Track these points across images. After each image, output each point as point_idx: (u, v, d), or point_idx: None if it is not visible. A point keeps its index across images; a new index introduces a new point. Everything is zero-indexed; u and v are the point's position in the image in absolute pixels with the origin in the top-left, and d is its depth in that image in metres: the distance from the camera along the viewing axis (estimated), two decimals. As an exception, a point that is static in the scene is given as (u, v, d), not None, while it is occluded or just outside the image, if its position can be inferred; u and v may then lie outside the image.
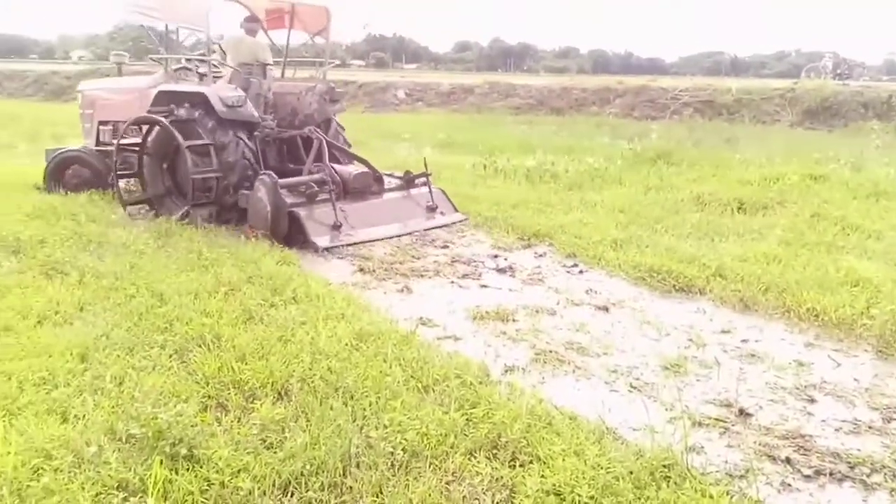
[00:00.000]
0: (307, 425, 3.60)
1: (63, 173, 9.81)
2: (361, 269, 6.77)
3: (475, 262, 7.16)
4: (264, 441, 3.47)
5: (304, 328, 4.85)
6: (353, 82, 31.13)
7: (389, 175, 9.13)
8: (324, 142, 8.73)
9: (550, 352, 4.87)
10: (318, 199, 7.90)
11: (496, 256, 7.37)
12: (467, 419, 3.70)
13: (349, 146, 9.67)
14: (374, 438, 3.47)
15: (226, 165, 8.06)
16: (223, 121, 8.13)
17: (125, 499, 2.97)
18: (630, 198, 10.04)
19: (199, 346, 4.54)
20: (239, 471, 3.19)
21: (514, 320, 5.51)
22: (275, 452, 3.36)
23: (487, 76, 38.51)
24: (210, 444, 3.35)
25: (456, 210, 9.02)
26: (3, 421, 3.47)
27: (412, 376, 4.20)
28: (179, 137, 7.92)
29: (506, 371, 4.55)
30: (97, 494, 3.00)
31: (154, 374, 4.10)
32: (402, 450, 3.39)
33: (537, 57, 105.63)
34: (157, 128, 8.38)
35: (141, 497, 2.99)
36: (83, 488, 3.02)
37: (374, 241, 7.77)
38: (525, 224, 8.38)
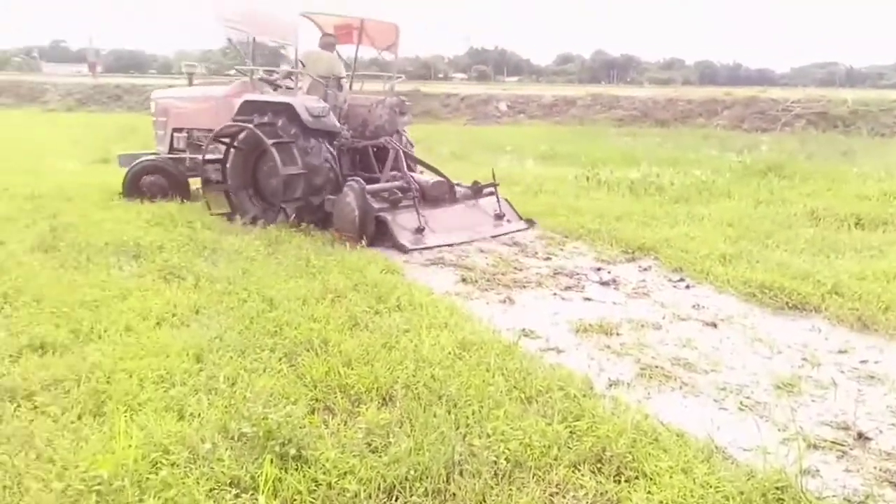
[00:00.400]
0: (411, 431, 3.63)
1: (140, 180, 10.13)
2: (464, 280, 6.80)
3: (578, 274, 7.09)
4: (370, 445, 3.53)
5: (408, 336, 4.91)
6: (455, 95, 31.41)
7: (458, 185, 9.44)
8: (401, 152, 9.24)
9: (656, 367, 4.77)
10: (400, 204, 8.43)
11: (599, 269, 7.28)
12: (571, 431, 3.67)
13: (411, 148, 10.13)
14: (478, 447, 3.47)
15: (311, 167, 8.53)
16: (307, 129, 8.59)
17: (237, 495, 3.08)
18: (739, 211, 9.75)
19: (307, 351, 4.65)
20: (345, 473, 3.25)
21: (618, 334, 5.43)
22: (380, 456, 3.41)
23: (590, 88, 38.15)
24: (318, 445, 3.43)
25: (520, 218, 9.33)
26: (125, 416, 3.64)
27: (515, 386, 4.19)
28: (264, 137, 8.35)
29: (610, 385, 4.48)
30: (211, 490, 3.11)
31: (264, 376, 4.22)
32: (506, 459, 3.39)
33: (641, 69, 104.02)
34: (240, 137, 8.87)
35: (252, 494, 3.09)
36: (198, 483, 3.13)
37: (452, 245, 8.15)
38: (629, 237, 8.25)
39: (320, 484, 3.18)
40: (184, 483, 3.13)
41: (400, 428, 3.68)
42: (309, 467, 3.29)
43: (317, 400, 4.05)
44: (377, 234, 8.12)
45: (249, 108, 8.90)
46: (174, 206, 9.11)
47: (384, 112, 9.62)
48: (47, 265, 6.38)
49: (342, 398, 4.05)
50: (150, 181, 10.07)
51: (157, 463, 3.27)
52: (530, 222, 9.27)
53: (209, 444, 3.38)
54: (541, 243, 8.37)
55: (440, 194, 8.98)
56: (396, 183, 8.76)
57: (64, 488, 3.08)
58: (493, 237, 8.61)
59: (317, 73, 9.58)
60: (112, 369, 4.24)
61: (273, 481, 3.15)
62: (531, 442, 3.51)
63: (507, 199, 9.50)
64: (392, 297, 5.75)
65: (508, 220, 9.18)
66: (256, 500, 3.05)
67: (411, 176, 8.92)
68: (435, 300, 5.88)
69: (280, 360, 4.52)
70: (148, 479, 3.15)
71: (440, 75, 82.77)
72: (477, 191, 9.43)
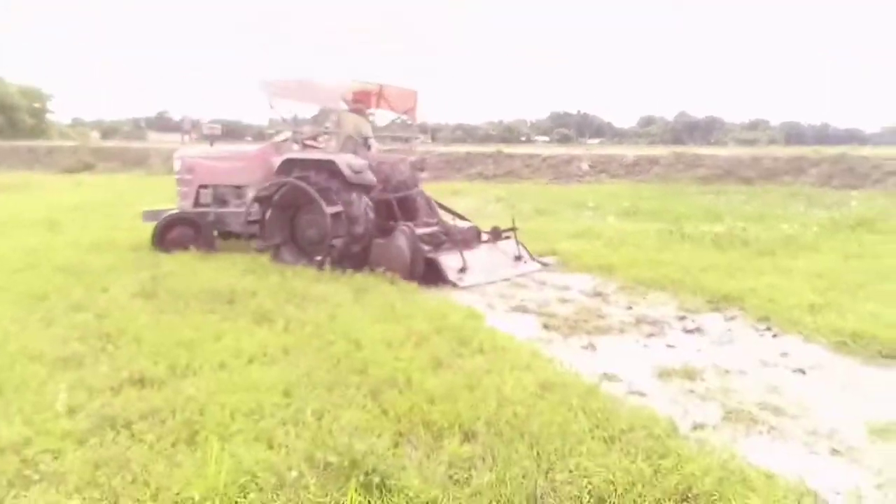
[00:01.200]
0: (493, 465, 3.67)
1: (168, 232, 10.56)
2: (546, 326, 6.82)
3: (661, 322, 7.01)
4: (452, 477, 3.57)
5: (490, 376, 4.93)
6: (537, 155, 31.51)
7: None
8: (433, 201, 10.70)
9: (742, 411, 4.69)
10: (442, 246, 9.55)
11: (683, 318, 7.19)
12: (655, 470, 3.62)
13: None
14: (560, 482, 3.49)
15: (353, 220, 9.25)
16: (348, 184, 9.38)
17: (323, 520, 3.16)
18: (828, 264, 9.50)
19: (391, 388, 4.73)
20: (428, 503, 3.30)
21: (702, 379, 5.35)
22: (462, 488, 3.46)
23: (673, 148, 37.76)
24: (401, 475, 3.49)
25: (534, 259, 10.35)
26: (218, 444, 3.77)
27: (597, 426, 4.17)
28: (321, 201, 9.18)
29: (695, 427, 4.41)
30: (298, 514, 3.21)
31: (350, 410, 4.32)
32: (589, 494, 3.39)
33: (725, 130, 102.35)
34: (284, 188, 9.58)
35: (337, 519, 3.17)
36: (286, 507, 3.24)
37: (488, 283, 9.07)
38: (713, 287, 8.11)
39: (404, 512, 3.24)
40: (272, 507, 3.24)
41: (482, 462, 3.72)
42: (393, 496, 3.35)
43: (400, 434, 4.11)
44: (427, 273, 9.01)
45: (290, 165, 9.75)
46: (267, 256, 9.42)
47: (406, 168, 10.60)
48: (147, 309, 6.67)
49: (425, 433, 4.11)
50: (178, 232, 10.53)
51: (245, 488, 3.39)
52: (544, 263, 10.30)
53: (296, 472, 3.49)
54: (623, 293, 8.32)
55: (471, 238, 10.18)
56: (436, 228, 9.99)
57: (159, 508, 3.23)
58: (519, 276, 9.57)
59: (346, 133, 10.35)
60: (206, 402, 4.39)
61: (359, 508, 3.23)
62: (615, 479, 3.50)
63: (522, 243, 10.46)
64: (474, 341, 5.81)
65: (525, 262, 10.21)
66: (342, 524, 3.13)
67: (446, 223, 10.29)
68: (517, 344, 5.91)
69: (365, 396, 4.62)
70: (237, 502, 3.28)
71: (522, 138, 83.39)
72: (496, 235, 10.49)
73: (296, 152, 10.13)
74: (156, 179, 28.64)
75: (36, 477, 3.54)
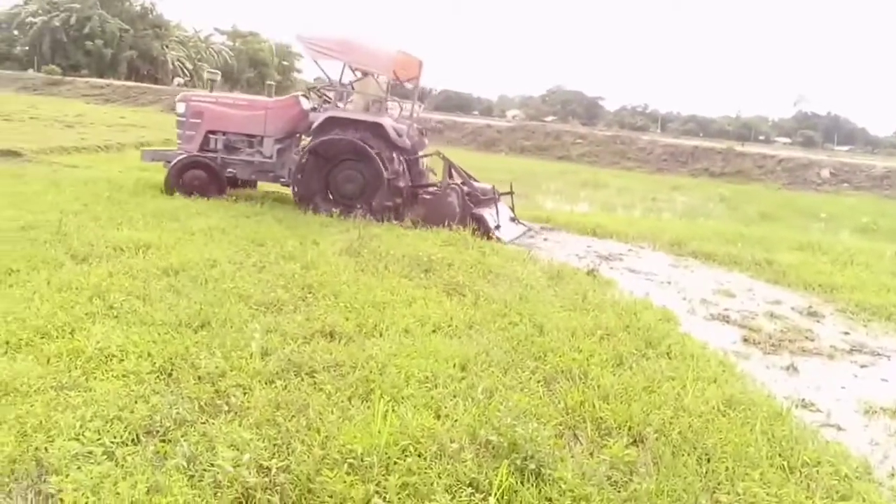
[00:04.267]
0: (656, 474, 3.51)
1: (182, 176, 10.74)
2: (746, 340, 6.42)
3: (880, 354, 6.37)
4: (610, 478, 3.47)
5: (672, 383, 4.73)
6: (773, 157, 29.67)
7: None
8: (455, 164, 11.23)
9: (955, 465, 4.15)
10: (480, 204, 10.61)
11: (908, 353, 6.48)
12: (833, 511, 3.31)
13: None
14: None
15: (396, 177, 10.34)
16: (392, 145, 10.35)
17: (471, 495, 3.18)
18: None
19: (567, 379, 4.68)
20: (580, 499, 3.23)
21: (914, 423, 4.80)
22: (618, 491, 3.35)
23: (932, 163, 34.00)
24: (558, 467, 3.43)
25: (521, 222, 11.73)
26: (388, 405, 3.89)
27: (779, 454, 3.88)
28: (380, 161, 10.06)
29: (893, 474, 3.98)
30: (449, 486, 3.25)
31: (520, 394, 4.32)
32: (754, 523, 3.15)
33: None
34: (339, 144, 10.26)
35: (485, 497, 3.17)
36: (439, 477, 3.29)
37: (514, 239, 10.38)
38: (953, 324, 7.21)
39: (554, 503, 3.18)
40: (426, 473, 3.30)
41: (645, 469, 3.58)
42: (545, 485, 3.31)
43: (566, 426, 4.06)
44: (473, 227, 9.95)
45: (332, 123, 10.36)
46: (468, 232, 9.55)
47: (415, 133, 11.27)
48: (350, 267, 7.03)
49: (592, 429, 4.02)
50: (192, 175, 10.78)
51: (406, 450, 3.49)
52: (529, 227, 11.60)
53: (457, 445, 3.54)
54: (841, 316, 7.63)
55: (493, 197, 11.14)
56: (467, 188, 10.81)
57: (323, 455, 3.39)
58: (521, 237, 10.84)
59: (373, 95, 11.20)
60: (385, 363, 4.57)
61: (508, 490, 3.21)
62: (786, 511, 3.23)
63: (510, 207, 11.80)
64: (663, 344, 5.58)
65: (517, 223, 11.54)
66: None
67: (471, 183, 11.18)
68: (708, 354, 5.59)
69: (538, 382, 4.60)
70: (396, 462, 3.37)
71: (761, 137, 78.39)
72: (498, 196, 11.39)
73: (339, 111, 10.69)
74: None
75: (225, 408, 3.84)
